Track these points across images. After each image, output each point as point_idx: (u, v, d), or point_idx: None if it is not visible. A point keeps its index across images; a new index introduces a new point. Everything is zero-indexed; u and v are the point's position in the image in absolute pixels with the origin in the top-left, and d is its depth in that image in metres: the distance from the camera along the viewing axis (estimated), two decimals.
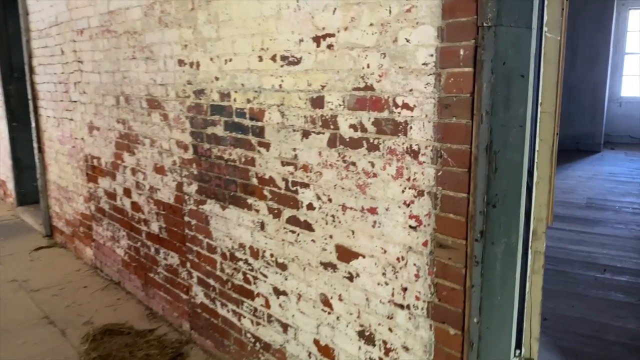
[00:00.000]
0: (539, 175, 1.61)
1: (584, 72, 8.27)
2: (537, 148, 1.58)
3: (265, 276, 2.32)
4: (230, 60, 2.30)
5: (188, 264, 2.87)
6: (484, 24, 1.38)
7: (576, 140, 8.47)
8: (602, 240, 3.98)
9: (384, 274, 1.78)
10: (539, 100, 1.56)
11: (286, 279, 2.20)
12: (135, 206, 3.31)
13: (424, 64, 1.56)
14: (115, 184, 3.51)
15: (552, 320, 2.79)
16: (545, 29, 1.52)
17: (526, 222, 1.58)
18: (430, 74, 1.54)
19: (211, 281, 2.70)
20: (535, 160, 1.58)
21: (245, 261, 2.43)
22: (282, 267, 2.21)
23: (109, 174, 3.57)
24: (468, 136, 1.48)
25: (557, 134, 1.64)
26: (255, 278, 2.39)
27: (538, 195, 1.62)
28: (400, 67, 1.62)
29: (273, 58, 2.08)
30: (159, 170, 2.98)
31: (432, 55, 1.53)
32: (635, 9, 9.06)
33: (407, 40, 1.59)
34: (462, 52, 1.46)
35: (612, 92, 9.28)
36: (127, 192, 3.38)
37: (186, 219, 2.81)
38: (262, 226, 2.29)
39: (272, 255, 2.26)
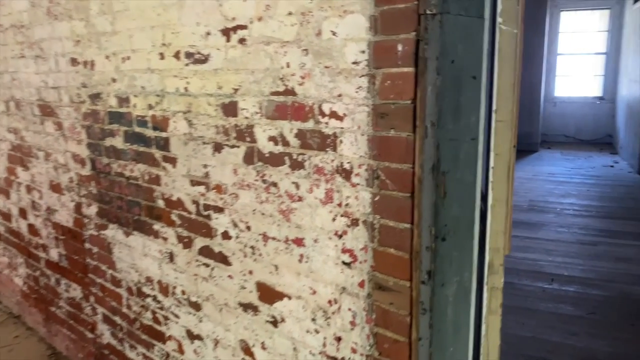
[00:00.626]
0: (494, 197, 1.34)
1: (521, 73, 8.32)
2: (491, 164, 1.31)
3: (177, 316, 1.95)
4: (128, 58, 1.91)
5: (92, 298, 2.44)
6: (427, 12, 1.08)
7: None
8: (547, 246, 3.85)
9: (313, 319, 1.45)
10: (493, 107, 1.29)
11: (201, 321, 1.84)
12: (32, 229, 2.83)
13: (354, 62, 1.25)
14: (10, 204, 3.01)
15: (502, 341, 2.57)
16: (499, 19, 1.25)
17: (480, 253, 1.31)
18: (362, 76, 1.23)
19: (118, 319, 2.28)
20: (490, 179, 1.31)
21: (154, 298, 2.04)
22: (196, 306, 1.85)
23: (2, 192, 3.06)
24: (410, 153, 1.18)
25: (514, 146, 1.38)
26: (166, 318, 2.00)
27: (494, 220, 1.35)
28: (326, 67, 1.31)
29: (176, 55, 1.71)
30: (56, 188, 2.53)
31: (363, 52, 1.22)
32: (566, 11, 9.26)
33: (333, 33, 1.27)
34: (400, 47, 1.16)
35: (547, 92, 9.46)
36: (23, 213, 2.89)
37: (87, 245, 2.38)
38: (171, 257, 1.91)
39: (183, 293, 1.89)
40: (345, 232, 1.34)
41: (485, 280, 1.35)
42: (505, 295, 3.08)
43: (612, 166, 7.07)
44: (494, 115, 1.28)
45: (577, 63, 9.39)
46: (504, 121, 1.29)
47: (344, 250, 1.35)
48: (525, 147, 8.47)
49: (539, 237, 4.06)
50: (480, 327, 1.35)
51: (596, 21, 9.16)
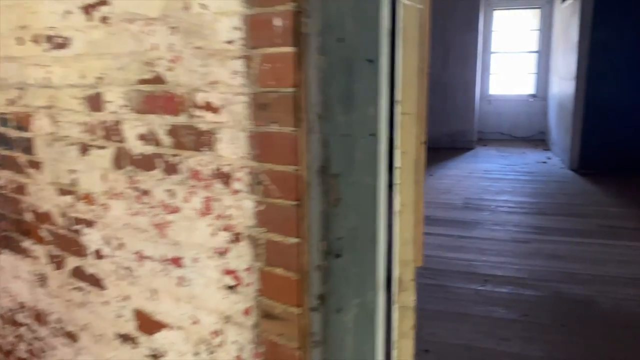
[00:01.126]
0: (402, 202, 1.15)
1: (456, 71, 8.40)
2: (396, 164, 1.11)
3: (53, 349, 1.65)
4: None
5: None
6: None
7: (452, 138, 8.59)
8: (481, 245, 3.77)
9: (196, 353, 1.21)
10: (396, 97, 1.09)
11: (79, 354, 1.56)
12: None
13: (227, 41, 1.02)
14: None
15: (434, 351, 2.42)
16: None
17: (387, 268, 1.11)
18: (238, 57, 1.01)
19: None
20: (395, 181, 1.12)
21: (29, 327, 1.73)
22: (72, 337, 1.56)
23: None
24: (294, 152, 0.96)
25: (423, 142, 1.20)
26: (42, 351, 1.70)
27: (402, 229, 1.16)
28: (196, 48, 1.07)
29: (36, 40, 1.43)
30: None
31: (238, 29, 1.00)
32: (498, 10, 9.43)
33: (203, 6, 1.04)
34: (277, 21, 0.94)
35: (483, 90, 9.60)
36: None
37: None
38: (43, 280, 1.61)
39: (59, 321, 1.60)
40: (227, 250, 1.11)
41: (394, 299, 1.16)
42: (437, 299, 2.96)
43: (545, 162, 7.20)
44: (397, 107, 1.09)
45: (511, 61, 9.59)
46: (410, 114, 1.10)
47: (227, 272, 1.12)
48: (461, 145, 8.54)
49: (474, 236, 3.99)
50: (390, 355, 1.16)
51: (528, 20, 9.38)
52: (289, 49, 0.93)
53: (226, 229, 1.10)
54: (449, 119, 8.55)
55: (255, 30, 0.97)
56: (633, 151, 6.33)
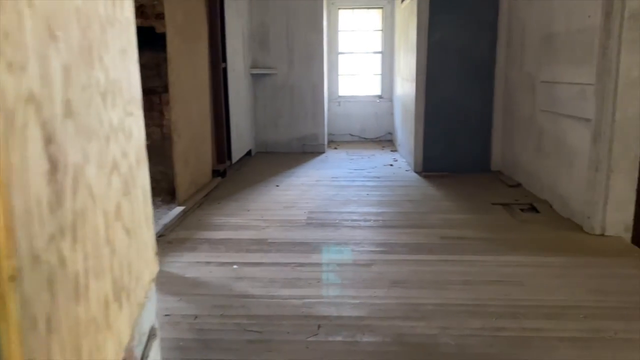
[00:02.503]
0: None
1: (302, 72, 7.99)
2: None
3: None
4: None
5: None
6: None
7: (302, 142, 8.17)
8: (318, 274, 3.26)
9: None
10: None
11: None
12: None
13: None
14: None
15: None
16: None
17: None
18: None
19: None
20: None
21: None
22: None
23: None
24: None
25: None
26: None
27: None
28: None
29: None
30: None
31: None
32: (344, 9, 9.24)
33: None
34: None
35: (331, 92, 9.36)
36: None
37: None
38: None
39: None
40: None
41: None
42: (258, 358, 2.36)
43: (391, 165, 7.07)
44: None
45: (358, 62, 9.47)
46: None
47: None
48: (312, 149, 8.16)
49: (313, 262, 3.47)
50: None
51: (372, 20, 9.32)
52: None
53: None
54: (298, 123, 8.12)
55: None
56: (473, 151, 6.40)
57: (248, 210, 4.78)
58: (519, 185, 5.63)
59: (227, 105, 6.32)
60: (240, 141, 6.98)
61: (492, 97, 6.29)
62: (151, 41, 5.14)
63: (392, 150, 8.35)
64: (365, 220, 4.42)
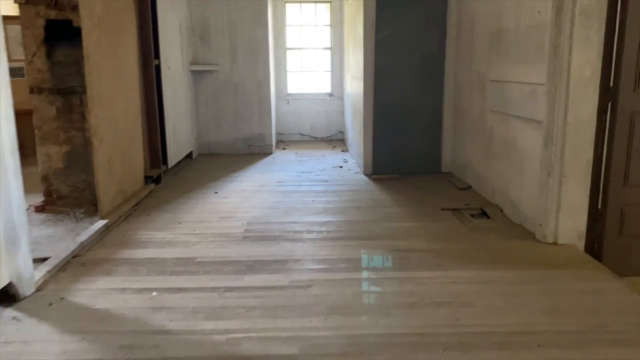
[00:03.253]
0: None
1: (246, 68, 7.55)
2: None
3: None
4: None
5: None
6: None
7: (248, 143, 7.75)
8: (248, 301, 2.88)
9: None
10: None
11: None
12: None
13: None
14: None
15: None
16: None
17: None
18: None
19: None
20: None
21: None
22: None
23: None
24: None
25: None
26: None
27: None
28: None
29: None
30: None
31: None
32: (291, 3, 8.84)
33: None
34: None
35: (280, 89, 8.96)
36: None
37: None
38: None
39: None
40: None
41: None
42: None
43: (341, 167, 6.76)
44: None
45: (307, 58, 9.10)
46: None
47: None
48: (259, 150, 7.76)
49: (244, 286, 3.09)
50: None
51: (321, 14, 8.96)
52: None
53: None
54: (243, 122, 7.69)
55: None
56: (424, 152, 6.16)
57: (179, 223, 4.34)
58: (469, 188, 5.42)
59: (162, 105, 5.83)
60: (178, 143, 6.49)
61: (442, 96, 6.06)
62: (69, 35, 4.60)
63: (343, 151, 8.04)
64: (308, 232, 4.07)
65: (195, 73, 7.44)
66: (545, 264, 3.40)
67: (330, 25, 8.89)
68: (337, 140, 8.98)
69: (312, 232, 4.08)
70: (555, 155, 3.65)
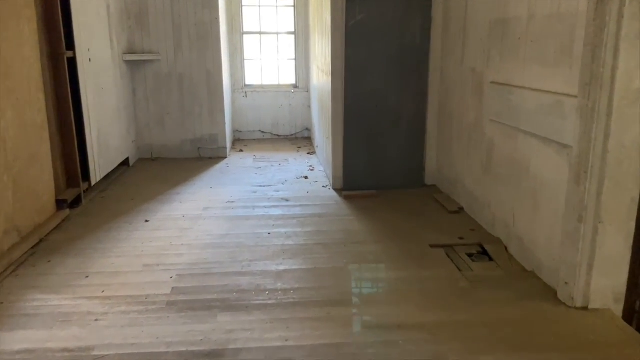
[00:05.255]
0: None
1: (193, 57, 6.37)
2: None
3: None
4: None
5: None
6: None
7: (197, 145, 6.61)
8: None
9: None
10: None
11: None
12: None
13: None
14: None
15: None
16: None
17: None
18: None
19: None
20: None
21: None
22: None
23: None
24: None
25: None
26: None
27: None
28: None
29: None
30: None
31: None
32: None
33: None
34: None
35: (236, 80, 7.80)
36: None
37: None
38: None
39: None
40: None
41: None
42: None
43: (306, 177, 5.71)
44: None
45: (268, 44, 7.95)
46: None
47: None
48: (210, 154, 6.63)
49: None
50: None
51: None
52: None
53: None
54: (191, 121, 6.53)
55: None
56: (404, 161, 5.17)
57: (87, 277, 3.24)
58: (461, 210, 4.47)
59: (80, 108, 4.64)
60: (107, 152, 5.32)
61: (426, 96, 5.06)
62: None
63: (309, 153, 6.99)
64: (258, 292, 3.03)
65: (131, 64, 6.21)
66: (577, 344, 2.47)
67: (294, 7, 7.74)
68: (303, 139, 7.91)
69: (263, 292, 3.04)
70: (590, 193, 2.69)
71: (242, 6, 7.64)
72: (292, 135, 8.01)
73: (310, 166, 6.22)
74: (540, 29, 3.13)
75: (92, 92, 4.93)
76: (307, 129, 7.99)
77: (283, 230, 4.06)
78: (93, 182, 4.93)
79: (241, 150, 7.15)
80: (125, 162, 6.04)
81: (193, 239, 3.88)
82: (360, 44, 4.85)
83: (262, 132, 7.97)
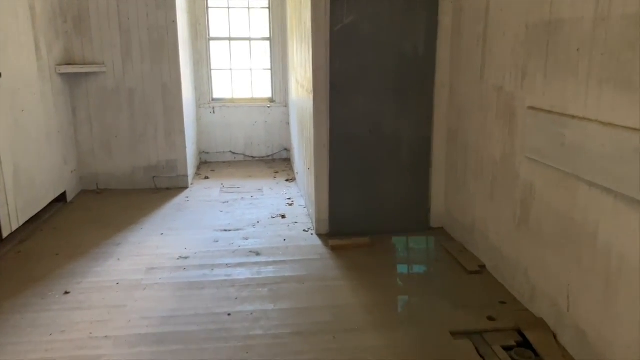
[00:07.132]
0: None
1: (146, 68, 5.27)
2: None
3: None
4: None
5: None
6: None
7: (152, 174, 5.50)
8: None
9: None
10: None
11: None
12: None
13: None
14: None
15: None
16: None
17: None
18: None
19: None
20: None
21: None
22: None
23: None
24: None
25: None
26: None
27: None
28: None
29: None
30: None
31: None
32: None
33: None
34: None
35: (202, 94, 6.72)
36: None
37: None
38: None
39: None
40: None
41: None
42: None
43: (283, 216, 4.65)
44: None
45: (240, 52, 6.88)
46: None
47: None
48: (169, 184, 5.53)
49: None
50: None
51: None
52: None
53: None
54: (144, 144, 5.43)
55: None
56: (404, 199, 4.15)
57: None
58: (482, 268, 3.46)
59: None
60: (29, 191, 4.18)
61: (432, 119, 4.05)
62: None
63: (288, 180, 5.93)
64: None
65: (69, 77, 5.09)
66: None
67: (269, 8, 6.69)
68: (281, 162, 6.85)
69: None
70: None
71: (207, 7, 6.57)
72: (268, 156, 6.95)
73: (289, 199, 5.16)
74: (617, 35, 2.13)
75: (6, 116, 3.82)
76: (285, 149, 6.93)
77: (249, 307, 2.99)
78: (6, 233, 3.80)
79: (207, 178, 6.05)
80: (62, 197, 4.92)
81: (123, 325, 2.79)
82: (349, 53, 3.83)
83: (234, 153, 6.89)
